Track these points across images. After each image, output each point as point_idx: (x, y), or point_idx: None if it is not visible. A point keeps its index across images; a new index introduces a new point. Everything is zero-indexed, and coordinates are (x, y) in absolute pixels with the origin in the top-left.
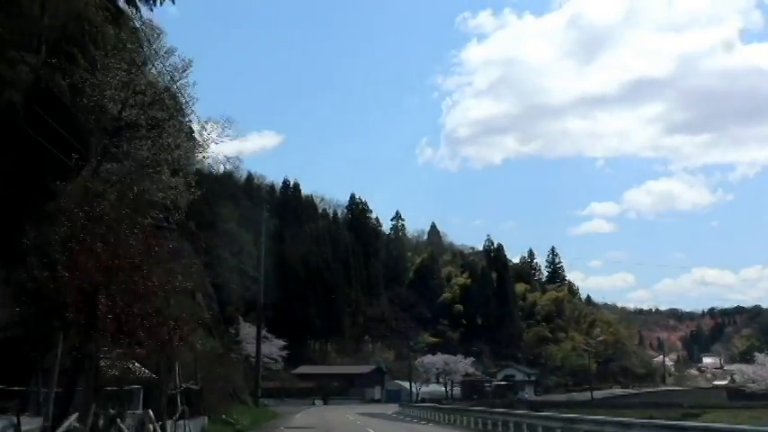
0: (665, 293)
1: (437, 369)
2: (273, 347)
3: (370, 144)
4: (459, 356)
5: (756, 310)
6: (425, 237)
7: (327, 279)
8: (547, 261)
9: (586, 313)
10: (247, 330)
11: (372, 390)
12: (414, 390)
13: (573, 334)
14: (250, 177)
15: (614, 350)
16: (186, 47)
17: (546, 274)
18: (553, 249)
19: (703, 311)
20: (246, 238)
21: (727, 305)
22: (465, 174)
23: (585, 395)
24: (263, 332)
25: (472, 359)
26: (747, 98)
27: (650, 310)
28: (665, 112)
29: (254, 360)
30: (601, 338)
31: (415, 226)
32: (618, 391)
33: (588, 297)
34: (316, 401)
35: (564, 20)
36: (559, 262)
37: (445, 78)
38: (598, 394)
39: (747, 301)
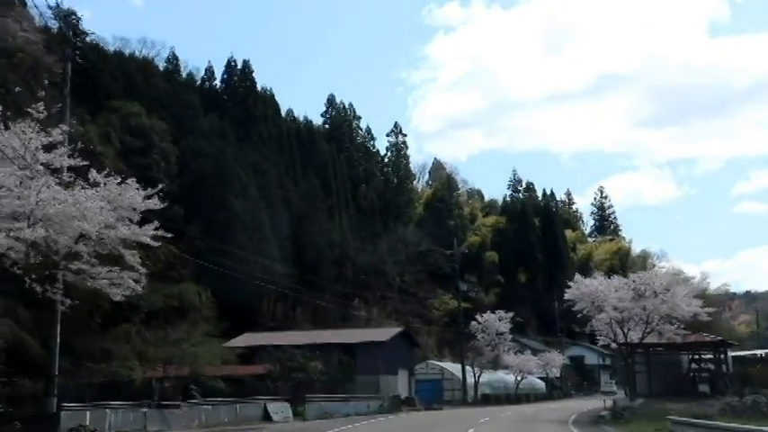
0: None
1: (608, 318)
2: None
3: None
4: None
5: (752, 296)
6: (427, 175)
7: (296, 204)
8: (594, 205)
9: (656, 271)
10: None
11: (392, 378)
12: (471, 379)
13: None
14: (174, 59)
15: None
16: None
17: (592, 222)
18: (601, 191)
19: None
20: (160, 129)
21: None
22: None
23: None
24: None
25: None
26: (713, 93)
27: None
28: (631, 106)
29: None
30: None
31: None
32: None
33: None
34: (272, 408)
35: (532, 13)
36: (610, 206)
37: (410, 73)
38: None
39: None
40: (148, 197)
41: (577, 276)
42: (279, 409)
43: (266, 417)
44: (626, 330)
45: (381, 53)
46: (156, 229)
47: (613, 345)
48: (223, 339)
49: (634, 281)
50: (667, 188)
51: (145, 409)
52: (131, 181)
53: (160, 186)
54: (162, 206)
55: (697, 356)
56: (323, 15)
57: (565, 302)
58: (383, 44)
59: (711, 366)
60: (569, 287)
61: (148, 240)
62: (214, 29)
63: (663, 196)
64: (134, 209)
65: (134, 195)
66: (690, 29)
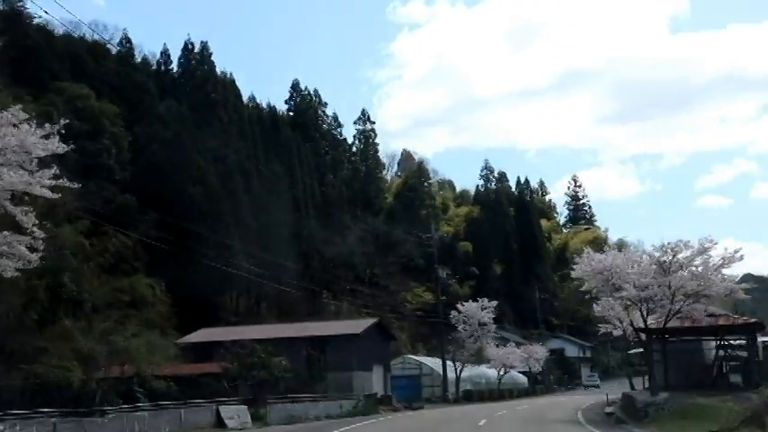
0: None
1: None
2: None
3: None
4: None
5: None
6: (396, 166)
7: (258, 192)
8: (567, 195)
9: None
10: None
11: (366, 375)
12: (453, 374)
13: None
14: (128, 42)
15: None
16: None
17: (566, 212)
18: (575, 180)
19: None
20: (112, 113)
21: None
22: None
23: None
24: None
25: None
26: (676, 88)
27: None
28: (595, 102)
29: None
30: None
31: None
32: None
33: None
34: (225, 412)
35: (495, 11)
36: (584, 196)
37: (376, 71)
38: None
39: None
40: (46, 136)
41: (587, 251)
42: (234, 413)
43: (219, 423)
44: (646, 312)
45: (346, 51)
46: (57, 177)
47: (616, 332)
48: (178, 335)
49: (657, 252)
50: (632, 183)
51: (54, 419)
52: (17, 110)
53: (62, 122)
54: (65, 149)
55: (725, 342)
56: (286, 12)
57: (544, 293)
58: (348, 42)
59: (744, 354)
60: (576, 265)
61: (44, 192)
62: (171, 16)
63: (628, 191)
64: (27, 152)
65: (24, 134)
66: (651, 25)
